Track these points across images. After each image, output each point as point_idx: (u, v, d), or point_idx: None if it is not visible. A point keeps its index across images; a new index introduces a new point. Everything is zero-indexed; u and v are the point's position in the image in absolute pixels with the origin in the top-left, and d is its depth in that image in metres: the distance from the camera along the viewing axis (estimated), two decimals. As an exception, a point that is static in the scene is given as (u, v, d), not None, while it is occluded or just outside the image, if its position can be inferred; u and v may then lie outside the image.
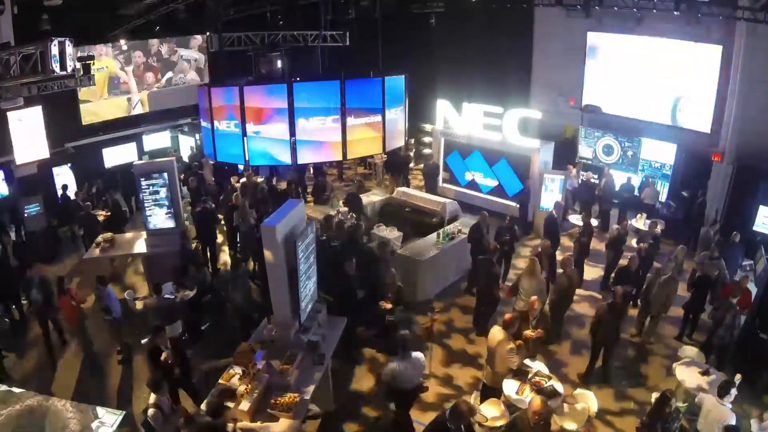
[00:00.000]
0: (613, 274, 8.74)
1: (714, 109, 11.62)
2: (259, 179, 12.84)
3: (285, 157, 8.62)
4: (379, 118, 8.96)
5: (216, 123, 8.73)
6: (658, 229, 9.96)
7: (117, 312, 7.57)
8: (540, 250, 8.52)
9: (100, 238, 9.50)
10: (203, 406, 5.32)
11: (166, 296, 7.52)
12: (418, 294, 8.93)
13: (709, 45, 11.41)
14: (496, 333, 6.05)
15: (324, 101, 8.41)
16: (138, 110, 14.72)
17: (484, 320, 8.15)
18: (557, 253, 9.62)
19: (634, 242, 9.83)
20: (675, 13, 10.80)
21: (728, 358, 7.13)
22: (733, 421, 5.28)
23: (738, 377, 5.88)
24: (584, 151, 13.87)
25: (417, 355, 5.94)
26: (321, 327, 6.61)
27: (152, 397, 5.30)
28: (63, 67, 6.77)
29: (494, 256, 8.31)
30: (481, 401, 5.99)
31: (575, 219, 11.23)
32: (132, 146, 14.68)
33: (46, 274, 8.29)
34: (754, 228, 10.31)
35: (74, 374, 7.35)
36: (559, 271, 8.24)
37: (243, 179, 12.31)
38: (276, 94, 8.30)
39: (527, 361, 6.38)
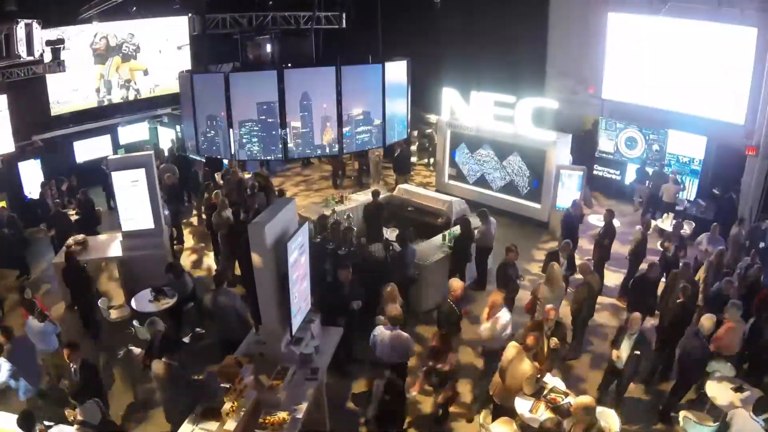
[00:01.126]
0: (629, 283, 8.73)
1: (748, 99, 11.62)
2: (246, 175, 12.84)
3: (275, 151, 8.60)
4: (378, 107, 8.94)
5: (198, 114, 8.71)
6: (687, 229, 9.96)
7: (51, 345, 6.97)
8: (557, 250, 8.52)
9: (70, 241, 9.49)
10: (185, 425, 5.31)
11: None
12: (421, 302, 8.91)
13: (743, 28, 11.41)
14: (512, 348, 6.06)
15: (318, 90, 8.39)
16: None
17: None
18: (575, 256, 9.61)
19: (658, 245, 9.82)
20: (705, -9, 10.84)
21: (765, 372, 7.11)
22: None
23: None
24: (605, 144, 13.87)
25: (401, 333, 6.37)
26: (315, 338, 6.60)
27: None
28: (30, 51, 6.76)
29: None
30: (492, 420, 5.98)
31: (595, 219, 11.22)
32: (106, 139, 14.69)
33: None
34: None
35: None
36: (578, 277, 8.22)
37: (228, 175, 12.33)
38: (265, 82, 8.28)
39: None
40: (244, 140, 8.49)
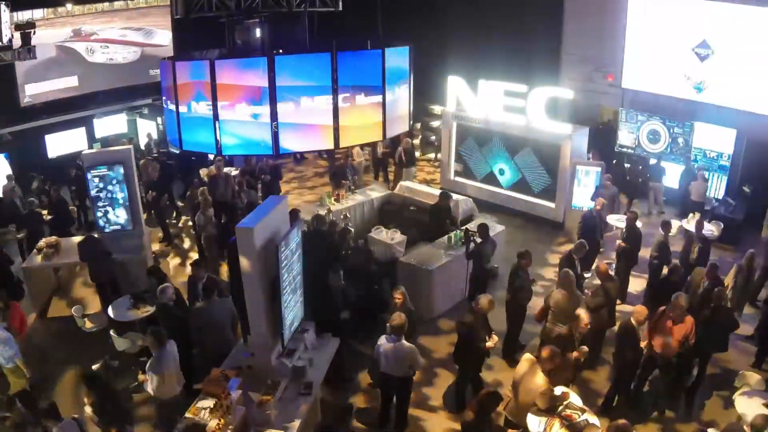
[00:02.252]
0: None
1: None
2: (234, 171, 12.84)
3: (265, 146, 8.60)
4: (378, 98, 8.94)
5: (181, 104, 8.71)
6: (713, 230, 9.95)
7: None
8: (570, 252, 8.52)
9: (42, 243, 9.51)
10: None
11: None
12: (424, 310, 8.92)
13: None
14: (525, 362, 6.09)
15: (312, 78, 8.39)
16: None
17: (510, 342, 8.19)
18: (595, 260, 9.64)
19: (682, 247, 9.82)
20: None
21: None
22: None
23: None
24: (625, 138, 13.86)
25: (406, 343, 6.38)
26: (308, 350, 6.61)
27: None
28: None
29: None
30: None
31: (615, 219, 11.21)
32: (81, 132, 14.70)
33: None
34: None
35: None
36: (596, 282, 8.22)
37: (213, 170, 12.33)
38: (254, 69, 8.29)
39: (558, 391, 6.36)
40: (232, 133, 8.49)
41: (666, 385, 7.29)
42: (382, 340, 6.51)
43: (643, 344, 7.02)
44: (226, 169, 12.46)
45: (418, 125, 16.45)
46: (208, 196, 10.27)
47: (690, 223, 10.79)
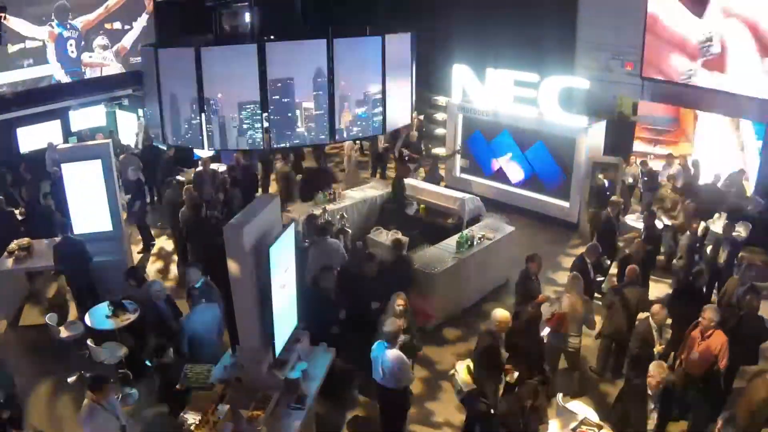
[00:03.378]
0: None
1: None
2: (221, 168, 12.85)
3: (256, 139, 8.60)
4: (377, 88, 8.95)
5: (164, 95, 8.70)
6: (740, 231, 9.94)
7: None
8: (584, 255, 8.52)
9: (13, 245, 9.51)
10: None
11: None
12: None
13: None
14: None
15: (305, 67, 8.39)
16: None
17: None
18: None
19: (707, 249, 9.82)
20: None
21: None
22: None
23: None
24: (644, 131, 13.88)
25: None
26: (302, 360, 6.61)
27: None
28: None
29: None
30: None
31: (633, 219, 11.23)
32: (55, 125, 14.70)
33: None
34: None
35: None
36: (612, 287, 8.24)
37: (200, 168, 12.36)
38: (242, 57, 8.29)
39: (572, 405, 6.38)
40: (245, 126, 8.47)
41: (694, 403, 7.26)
42: (376, 348, 6.56)
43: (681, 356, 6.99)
44: (213, 166, 12.53)
45: (421, 117, 16.46)
46: (193, 192, 10.29)
47: (716, 224, 10.78)
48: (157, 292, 7.44)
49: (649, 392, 6.33)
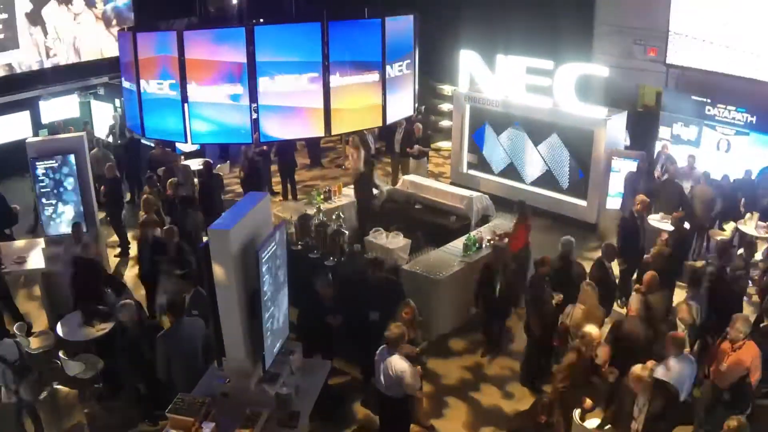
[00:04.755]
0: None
1: None
2: (198, 165, 12.84)
3: (243, 132, 8.62)
4: (377, 76, 8.96)
5: (143, 83, 8.73)
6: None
7: None
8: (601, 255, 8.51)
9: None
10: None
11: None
12: (432, 327, 8.93)
13: None
14: None
15: (299, 53, 8.41)
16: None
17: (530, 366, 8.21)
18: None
19: (739, 252, 9.83)
20: None
21: None
22: None
23: None
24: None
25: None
26: (294, 374, 6.61)
27: None
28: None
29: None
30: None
31: (657, 221, 11.21)
32: (24, 116, 14.70)
33: None
34: None
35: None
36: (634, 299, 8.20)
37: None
38: (229, 41, 8.30)
39: (590, 423, 6.39)
40: (204, 118, 8.48)
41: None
42: (378, 353, 6.60)
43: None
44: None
45: (423, 108, 16.46)
46: (150, 198, 10.34)
47: (748, 225, 10.79)
48: (128, 317, 7.07)
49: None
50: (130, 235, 11.71)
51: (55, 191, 9.46)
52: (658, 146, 13.09)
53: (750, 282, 9.11)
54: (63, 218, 9.58)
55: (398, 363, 6.44)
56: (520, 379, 8.26)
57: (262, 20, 9.22)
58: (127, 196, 13.28)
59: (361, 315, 7.71)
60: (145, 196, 10.60)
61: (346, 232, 9.48)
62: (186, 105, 8.50)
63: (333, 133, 9.36)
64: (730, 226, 10.96)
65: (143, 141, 13.07)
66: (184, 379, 6.68)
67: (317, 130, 8.92)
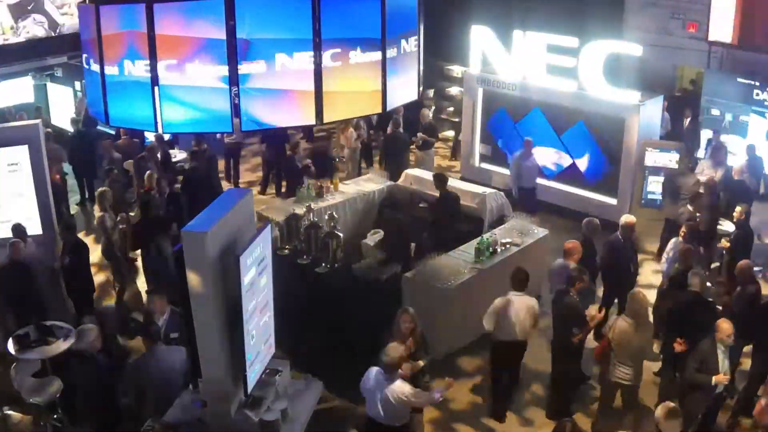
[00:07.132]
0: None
1: None
2: (179, 155, 12.89)
3: (221, 120, 8.62)
4: (376, 55, 8.97)
5: (108, 64, 8.74)
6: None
7: None
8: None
9: None
10: None
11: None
12: (439, 344, 8.93)
13: None
14: None
15: (286, 29, 8.42)
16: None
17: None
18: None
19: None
20: None
21: None
22: None
23: None
24: (712, 109, 13.89)
25: None
26: (282, 397, 6.62)
27: None
28: None
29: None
30: None
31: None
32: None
33: None
34: None
35: None
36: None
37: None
38: (206, 15, 8.30)
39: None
40: (177, 103, 8.50)
41: None
42: (371, 375, 6.53)
43: None
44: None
45: (431, 92, 16.49)
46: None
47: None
48: (92, 346, 6.90)
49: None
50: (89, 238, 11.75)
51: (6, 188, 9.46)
52: (703, 136, 13.12)
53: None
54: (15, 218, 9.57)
55: (400, 388, 6.37)
56: (547, 414, 8.23)
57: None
58: (77, 198, 13.46)
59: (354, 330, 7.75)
60: (101, 189, 10.67)
61: (341, 235, 9.48)
62: (156, 88, 8.50)
63: (325, 121, 9.34)
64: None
65: (100, 128, 13.11)
66: (159, 413, 6.68)
67: (308, 117, 8.91)
